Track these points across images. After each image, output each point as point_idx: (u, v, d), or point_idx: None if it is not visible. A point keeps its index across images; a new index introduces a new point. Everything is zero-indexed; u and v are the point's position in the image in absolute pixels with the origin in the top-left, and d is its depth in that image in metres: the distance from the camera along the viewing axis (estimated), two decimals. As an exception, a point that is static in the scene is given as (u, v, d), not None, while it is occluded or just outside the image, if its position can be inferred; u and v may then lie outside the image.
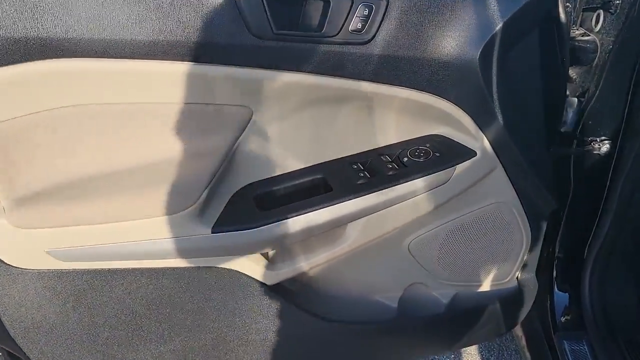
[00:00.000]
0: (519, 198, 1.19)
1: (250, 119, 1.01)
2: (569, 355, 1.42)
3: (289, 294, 1.12)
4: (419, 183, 1.07)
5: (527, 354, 1.50)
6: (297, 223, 1.02)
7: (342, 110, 1.06)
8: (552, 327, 1.46)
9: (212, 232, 0.98)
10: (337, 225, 1.08)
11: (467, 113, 1.08)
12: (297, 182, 1.08)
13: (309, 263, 1.10)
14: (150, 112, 0.93)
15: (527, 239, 1.25)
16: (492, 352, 1.78)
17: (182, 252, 1.00)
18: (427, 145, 1.13)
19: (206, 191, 0.98)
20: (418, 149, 1.13)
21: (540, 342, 1.47)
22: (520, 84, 1.09)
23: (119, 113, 0.91)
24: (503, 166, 1.14)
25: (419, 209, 1.11)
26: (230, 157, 1.02)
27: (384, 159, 1.11)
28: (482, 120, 1.09)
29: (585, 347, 1.42)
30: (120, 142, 0.93)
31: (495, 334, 1.39)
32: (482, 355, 1.72)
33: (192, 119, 0.95)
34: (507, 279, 1.32)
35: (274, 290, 1.10)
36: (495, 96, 1.04)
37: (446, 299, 1.29)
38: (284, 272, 1.09)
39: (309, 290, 1.18)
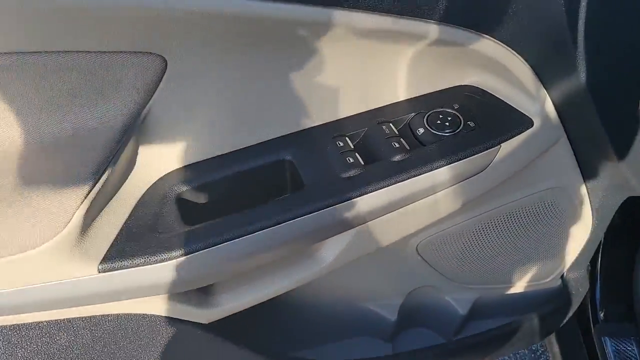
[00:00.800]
0: (586, 182, 0.80)
1: (164, 72, 0.58)
2: (612, 357, 1.10)
3: (236, 331, 0.75)
4: (442, 174, 0.67)
5: (556, 350, 1.18)
6: (247, 245, 0.63)
7: (319, 54, 0.63)
8: (591, 320, 1.13)
9: (101, 271, 0.59)
10: (312, 243, 0.69)
11: (524, 59, 0.66)
12: (246, 169, 0.67)
13: (266, 293, 0.72)
14: None
15: (586, 232, 0.88)
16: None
17: (55, 303, 0.61)
18: (455, 106, 0.72)
19: (87, 201, 0.58)
20: (442, 113, 0.71)
21: (575, 337, 1.15)
22: (616, 11, 0.65)
23: None
24: (569, 139, 0.74)
25: (439, 209, 0.72)
26: (131, 135, 0.61)
27: (387, 130, 0.69)
28: (548, 71, 0.67)
29: (635, 349, 1.10)
30: None
31: (526, 344, 1.06)
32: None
33: (65, 77, 0.53)
34: (550, 278, 0.96)
35: (213, 329, 0.73)
36: (579, 34, 0.61)
37: (463, 307, 0.94)
38: (227, 307, 0.71)
39: (265, 323, 0.81)
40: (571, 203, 0.83)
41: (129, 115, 0.58)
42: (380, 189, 0.65)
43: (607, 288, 1.12)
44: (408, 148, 0.67)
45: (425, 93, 0.73)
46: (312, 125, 0.70)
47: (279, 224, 0.63)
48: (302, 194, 0.64)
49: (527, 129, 0.69)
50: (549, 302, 0.99)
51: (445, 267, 0.87)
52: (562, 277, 0.97)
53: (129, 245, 0.60)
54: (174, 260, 0.60)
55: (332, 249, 0.70)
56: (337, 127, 0.70)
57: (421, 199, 0.68)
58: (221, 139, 0.67)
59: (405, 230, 0.72)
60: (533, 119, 0.70)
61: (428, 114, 0.71)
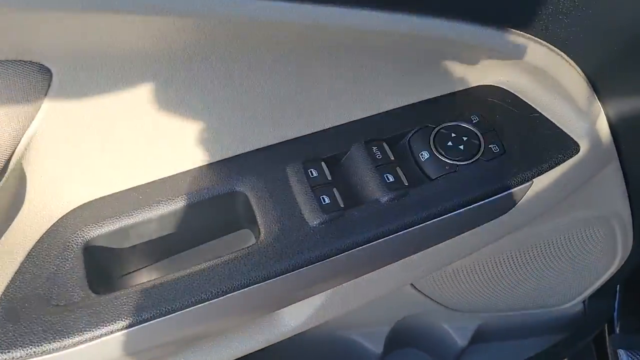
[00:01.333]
0: (633, 210, 0.62)
1: (49, 86, 0.39)
2: (627, 373, 0.97)
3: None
4: (452, 221, 0.49)
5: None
6: (182, 322, 0.45)
7: (273, 59, 0.44)
8: (606, 330, 0.99)
9: None
10: (270, 312, 0.51)
11: (577, 66, 0.46)
12: (180, 206, 0.49)
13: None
14: None
15: (621, 261, 0.71)
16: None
17: None
18: (474, 119, 0.52)
19: None
20: (455, 129, 0.52)
21: (586, 347, 1.01)
22: None
23: None
24: (622, 163, 0.56)
25: (444, 259, 0.54)
26: (9, 165, 0.43)
27: (378, 154, 0.50)
28: (609, 84, 0.48)
29: (654, 366, 0.97)
30: None
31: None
32: None
33: None
34: (569, 304, 0.80)
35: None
36: None
37: (463, 337, 0.78)
38: None
39: None
40: (610, 232, 0.65)
41: (5, 140, 0.40)
42: (365, 244, 0.47)
43: (626, 298, 0.98)
44: (406, 184, 0.48)
45: (433, 97, 0.54)
46: (273, 142, 0.51)
47: (226, 293, 0.45)
48: (257, 250, 0.46)
49: (571, 156, 0.51)
50: (567, 327, 0.84)
51: (445, 297, 0.71)
52: (584, 302, 0.81)
53: (7, 329, 0.43)
54: (74, 349, 0.43)
55: (296, 315, 0.52)
56: (308, 146, 0.51)
57: (421, 251, 0.50)
58: (144, 162, 0.48)
59: (397, 284, 0.54)
60: (579, 142, 0.51)
61: (436, 129, 0.52)
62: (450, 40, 0.43)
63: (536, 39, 0.45)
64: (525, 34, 0.44)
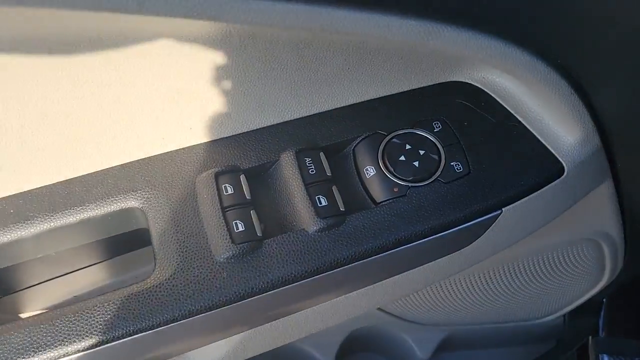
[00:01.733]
0: (626, 231, 0.52)
1: None
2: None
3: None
4: (399, 257, 0.39)
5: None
6: None
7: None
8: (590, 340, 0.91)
9: None
10: (177, 354, 0.43)
11: (564, 71, 0.36)
12: (60, 224, 0.39)
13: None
14: None
15: (608, 280, 0.62)
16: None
17: None
18: (437, 126, 0.42)
19: None
20: (411, 139, 0.41)
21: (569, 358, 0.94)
22: None
23: None
24: (616, 183, 0.46)
25: (394, 292, 0.45)
26: None
27: (311, 168, 0.40)
28: (605, 96, 0.37)
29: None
30: None
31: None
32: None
33: None
34: (548, 319, 0.72)
35: None
36: None
37: (425, 350, 0.70)
38: None
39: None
40: (597, 253, 0.56)
41: None
42: (282, 286, 0.37)
43: (612, 308, 0.89)
44: (342, 209, 0.39)
45: (389, 94, 0.43)
46: (183, 146, 0.41)
47: (106, 343, 0.36)
48: (150, 289, 0.37)
49: (553, 179, 0.41)
50: (545, 339, 0.76)
51: (405, 311, 0.62)
52: (564, 316, 0.73)
53: None
54: None
55: (204, 357, 0.44)
56: (226, 153, 0.41)
57: (354, 291, 0.41)
58: (16, 167, 0.39)
59: (334, 321, 0.45)
60: (563, 161, 0.41)
61: (387, 138, 0.41)
62: (414, 42, 0.33)
63: (515, 43, 0.34)
64: (504, 38, 0.34)
